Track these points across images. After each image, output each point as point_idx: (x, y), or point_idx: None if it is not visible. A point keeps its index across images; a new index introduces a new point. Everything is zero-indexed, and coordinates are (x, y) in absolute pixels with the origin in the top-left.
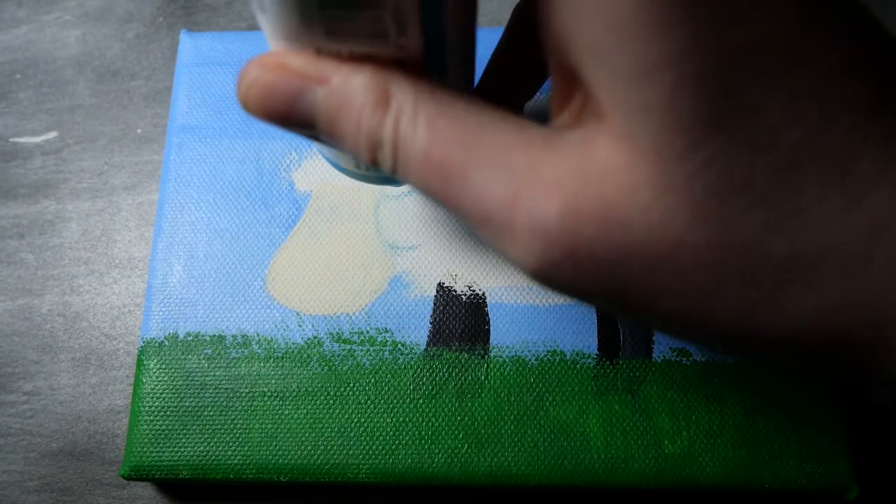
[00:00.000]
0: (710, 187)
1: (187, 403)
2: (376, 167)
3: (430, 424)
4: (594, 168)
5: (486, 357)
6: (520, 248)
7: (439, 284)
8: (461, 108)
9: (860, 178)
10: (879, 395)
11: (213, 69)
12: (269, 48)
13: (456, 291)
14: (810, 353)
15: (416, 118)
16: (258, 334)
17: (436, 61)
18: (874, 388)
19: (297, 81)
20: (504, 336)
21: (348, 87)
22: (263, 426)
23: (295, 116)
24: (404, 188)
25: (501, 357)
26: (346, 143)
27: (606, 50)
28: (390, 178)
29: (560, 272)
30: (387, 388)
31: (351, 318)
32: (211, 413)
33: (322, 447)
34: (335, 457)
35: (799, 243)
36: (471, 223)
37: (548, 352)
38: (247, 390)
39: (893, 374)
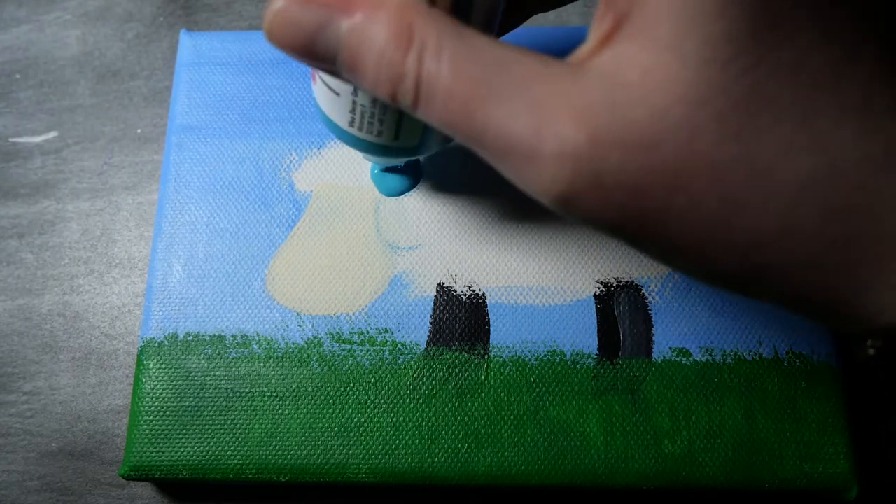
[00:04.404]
0: (742, 100)
1: (187, 403)
2: (395, 103)
3: (430, 424)
4: (624, 93)
5: (486, 357)
6: (545, 175)
7: (439, 284)
8: (484, 44)
9: (880, 109)
10: (866, 348)
11: (213, 69)
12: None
13: (456, 291)
14: (814, 286)
15: (440, 53)
16: (258, 334)
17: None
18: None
19: (323, 12)
20: (504, 336)
21: (373, 19)
22: (263, 426)
23: (317, 48)
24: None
25: (501, 357)
26: (367, 77)
27: None
28: (381, 147)
29: (583, 199)
30: (387, 388)
31: (351, 318)
32: (211, 413)
33: (322, 447)
34: (335, 457)
35: (815, 165)
36: (492, 156)
37: (548, 352)
38: (247, 390)
39: (882, 321)
